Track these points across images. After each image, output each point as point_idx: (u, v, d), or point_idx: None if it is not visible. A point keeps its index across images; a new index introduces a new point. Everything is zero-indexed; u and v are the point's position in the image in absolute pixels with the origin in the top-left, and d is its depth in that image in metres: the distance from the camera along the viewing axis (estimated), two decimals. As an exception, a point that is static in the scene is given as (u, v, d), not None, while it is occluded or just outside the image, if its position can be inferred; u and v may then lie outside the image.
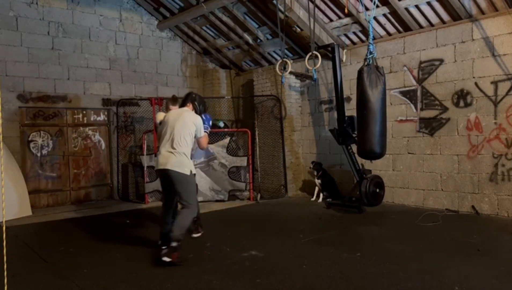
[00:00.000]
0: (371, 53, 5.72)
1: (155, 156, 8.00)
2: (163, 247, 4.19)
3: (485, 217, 6.01)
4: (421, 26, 6.72)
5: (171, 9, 9.05)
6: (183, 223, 4.29)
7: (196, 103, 4.69)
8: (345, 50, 7.86)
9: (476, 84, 6.17)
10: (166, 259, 4.08)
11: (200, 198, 8.03)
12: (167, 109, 5.30)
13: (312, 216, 6.50)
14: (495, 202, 6.03)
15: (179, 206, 4.62)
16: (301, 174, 8.82)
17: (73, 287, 3.66)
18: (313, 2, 6.85)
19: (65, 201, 8.25)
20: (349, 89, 7.63)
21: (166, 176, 4.39)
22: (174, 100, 5.33)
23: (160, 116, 5.11)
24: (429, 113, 6.73)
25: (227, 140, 8.31)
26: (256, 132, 8.81)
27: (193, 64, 10.41)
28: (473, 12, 6.08)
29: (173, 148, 4.38)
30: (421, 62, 6.80)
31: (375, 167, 7.22)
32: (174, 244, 4.15)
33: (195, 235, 5.28)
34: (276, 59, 9.11)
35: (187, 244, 5.03)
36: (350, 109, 7.34)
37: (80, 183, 8.49)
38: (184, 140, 4.42)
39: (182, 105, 4.75)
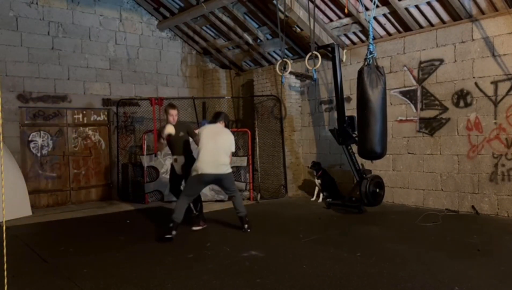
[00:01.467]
0: (371, 53, 5.72)
1: (155, 156, 8.07)
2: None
3: (485, 217, 6.01)
4: (421, 26, 6.73)
5: (171, 9, 9.06)
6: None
7: (226, 121, 5.71)
8: (345, 50, 7.86)
9: (476, 84, 6.18)
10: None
11: (200, 198, 8.06)
12: (166, 113, 5.79)
13: (312, 216, 6.50)
14: (495, 202, 6.03)
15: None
16: (301, 174, 8.82)
17: (73, 287, 3.66)
18: (313, 2, 6.84)
19: (65, 201, 8.26)
20: (349, 89, 7.63)
21: (212, 177, 5.37)
22: (172, 106, 5.84)
23: (171, 128, 5.58)
24: (429, 113, 6.73)
25: (227, 140, 8.30)
26: (256, 132, 8.81)
27: (193, 64, 10.41)
28: (473, 12, 6.08)
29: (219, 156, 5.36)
30: (421, 62, 6.81)
31: (375, 167, 7.22)
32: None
33: (195, 228, 5.70)
34: (276, 59, 9.11)
35: (187, 244, 5.04)
36: (350, 109, 7.34)
37: (80, 183, 8.49)
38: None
39: (215, 121, 5.64)
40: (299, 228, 5.68)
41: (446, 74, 6.50)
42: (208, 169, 5.24)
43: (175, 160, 5.79)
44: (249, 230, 5.50)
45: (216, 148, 5.31)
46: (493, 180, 6.04)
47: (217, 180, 5.43)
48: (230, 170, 5.47)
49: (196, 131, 5.69)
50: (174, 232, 5.19)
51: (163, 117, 8.78)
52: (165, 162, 8.17)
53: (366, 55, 5.75)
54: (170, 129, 5.54)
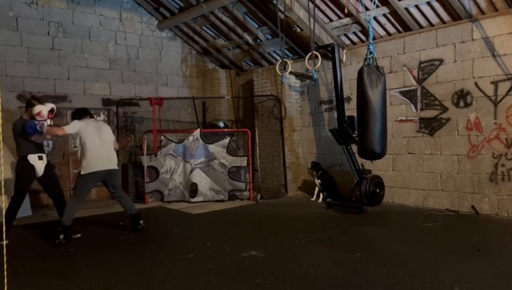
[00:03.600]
0: (371, 53, 5.72)
1: (155, 156, 8.09)
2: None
3: (485, 217, 6.01)
4: (421, 26, 6.72)
5: (171, 9, 9.06)
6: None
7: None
8: (345, 50, 7.86)
9: (476, 84, 6.17)
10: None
11: (200, 198, 8.07)
12: (31, 106, 5.18)
13: (312, 216, 6.50)
14: (495, 202, 6.03)
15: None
16: (301, 174, 8.82)
17: (73, 287, 3.65)
18: (313, 2, 6.84)
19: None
20: (349, 89, 7.63)
21: (105, 173, 5.35)
22: (37, 99, 5.41)
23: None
24: (429, 113, 6.73)
25: (227, 140, 8.31)
26: (256, 132, 8.81)
27: (193, 64, 10.41)
28: (473, 12, 6.08)
29: None
30: (421, 62, 6.80)
31: (375, 167, 7.22)
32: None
33: (75, 236, 5.37)
34: (276, 59, 9.11)
35: (187, 244, 5.04)
36: (350, 109, 7.34)
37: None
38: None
39: (86, 117, 5.37)
40: (299, 228, 5.68)
41: (446, 74, 6.50)
42: (101, 165, 5.18)
43: (40, 157, 5.27)
44: (144, 225, 5.50)
45: (104, 143, 5.26)
46: (493, 180, 6.04)
47: (109, 176, 5.34)
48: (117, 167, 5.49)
49: (65, 128, 5.21)
50: (62, 236, 4.99)
51: (163, 117, 8.81)
52: (165, 162, 8.18)
53: (366, 55, 5.76)
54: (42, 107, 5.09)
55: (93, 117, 5.62)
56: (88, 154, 5.10)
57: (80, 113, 5.39)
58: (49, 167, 5.42)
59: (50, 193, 5.59)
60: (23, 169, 5.21)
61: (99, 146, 5.18)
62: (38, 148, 5.26)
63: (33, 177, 5.32)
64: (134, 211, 5.58)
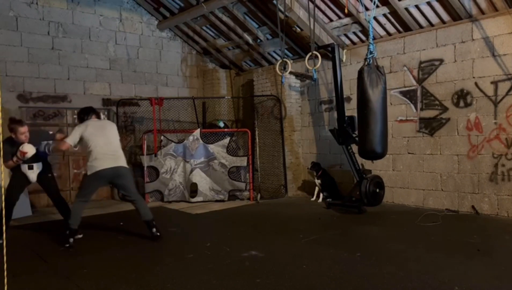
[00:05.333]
0: (371, 53, 5.72)
1: (155, 156, 8.10)
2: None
3: (485, 217, 6.01)
4: (421, 26, 6.72)
5: (171, 9, 9.06)
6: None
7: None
8: (345, 50, 7.86)
9: (476, 84, 6.17)
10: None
11: (200, 198, 8.07)
12: (14, 132, 5.12)
13: (312, 216, 6.50)
14: (495, 202, 6.03)
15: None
16: (301, 174, 8.82)
17: (73, 287, 3.65)
18: (313, 2, 6.84)
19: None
20: (349, 89, 7.63)
21: (111, 172, 5.19)
22: (20, 123, 5.25)
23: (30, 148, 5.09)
24: (429, 113, 6.73)
25: (227, 140, 8.31)
26: (256, 132, 8.81)
27: (193, 64, 10.41)
28: (473, 12, 6.08)
29: None
30: (421, 62, 6.80)
31: (375, 167, 7.22)
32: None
33: (77, 236, 5.23)
34: (276, 59, 9.11)
35: (187, 244, 5.04)
36: (350, 109, 7.34)
37: (80, 183, 8.48)
38: None
39: (87, 117, 5.27)
40: (299, 228, 5.68)
41: (446, 74, 6.50)
42: (105, 164, 4.98)
43: (31, 167, 5.21)
44: (158, 234, 5.14)
45: (109, 141, 5.11)
46: (493, 180, 6.04)
47: (117, 176, 5.08)
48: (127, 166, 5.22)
49: (67, 140, 5.06)
50: (71, 240, 4.92)
51: (163, 117, 8.81)
52: (165, 162, 8.18)
53: (366, 55, 5.76)
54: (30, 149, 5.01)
55: (99, 116, 5.52)
56: (92, 155, 5.00)
57: (86, 113, 5.27)
58: (44, 171, 5.34)
59: (49, 195, 5.61)
60: (16, 173, 5.23)
61: (102, 145, 5.06)
62: (30, 158, 5.10)
63: (25, 184, 5.35)
64: (149, 217, 5.22)
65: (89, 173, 5.06)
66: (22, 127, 5.11)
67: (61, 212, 5.59)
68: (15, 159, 5.01)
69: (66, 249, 4.85)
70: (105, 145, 5.07)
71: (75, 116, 8.43)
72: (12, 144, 5.07)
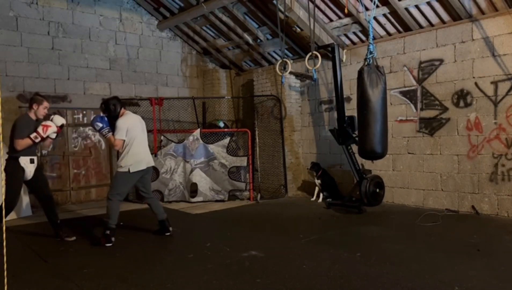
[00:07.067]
0: (371, 53, 5.72)
1: (155, 156, 8.09)
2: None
3: (485, 217, 6.01)
4: (421, 26, 6.72)
5: (171, 9, 9.06)
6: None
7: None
8: (345, 50, 7.86)
9: (476, 84, 6.17)
10: None
11: (200, 198, 8.07)
12: (36, 103, 4.99)
13: (312, 216, 6.50)
14: (495, 202, 6.03)
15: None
16: (301, 174, 8.82)
17: (73, 287, 3.66)
18: (313, 2, 6.84)
19: (65, 201, 8.25)
20: (349, 89, 7.63)
21: (149, 170, 5.32)
22: (42, 96, 5.19)
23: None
24: (429, 113, 6.73)
25: (227, 140, 8.31)
26: (256, 132, 8.81)
27: (193, 64, 10.41)
28: (473, 12, 6.08)
29: None
30: (421, 62, 6.80)
31: (375, 167, 7.22)
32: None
33: (69, 239, 5.21)
34: (276, 59, 9.11)
35: (187, 244, 5.04)
36: (350, 109, 7.34)
37: (80, 183, 8.49)
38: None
39: (119, 112, 5.03)
40: (299, 228, 5.68)
41: (446, 74, 6.50)
42: (145, 163, 5.01)
43: (32, 161, 4.97)
44: (171, 231, 5.30)
45: (145, 137, 5.12)
46: (493, 180, 6.04)
47: (147, 173, 5.16)
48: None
49: (119, 137, 4.92)
50: (113, 239, 4.93)
51: (163, 117, 8.81)
52: (165, 162, 8.18)
53: (366, 55, 5.75)
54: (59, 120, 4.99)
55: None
56: (134, 151, 4.85)
57: (119, 101, 5.00)
58: (38, 168, 5.13)
59: (39, 196, 5.24)
60: (15, 171, 4.83)
61: (142, 141, 4.96)
62: (31, 150, 4.95)
63: (22, 185, 5.01)
64: (164, 216, 5.29)
65: (132, 170, 4.89)
66: (47, 102, 5.01)
67: (47, 214, 5.23)
68: (33, 135, 4.80)
69: (64, 247, 4.85)
70: (144, 141, 5.02)
71: (75, 116, 8.46)
72: (28, 121, 4.91)
